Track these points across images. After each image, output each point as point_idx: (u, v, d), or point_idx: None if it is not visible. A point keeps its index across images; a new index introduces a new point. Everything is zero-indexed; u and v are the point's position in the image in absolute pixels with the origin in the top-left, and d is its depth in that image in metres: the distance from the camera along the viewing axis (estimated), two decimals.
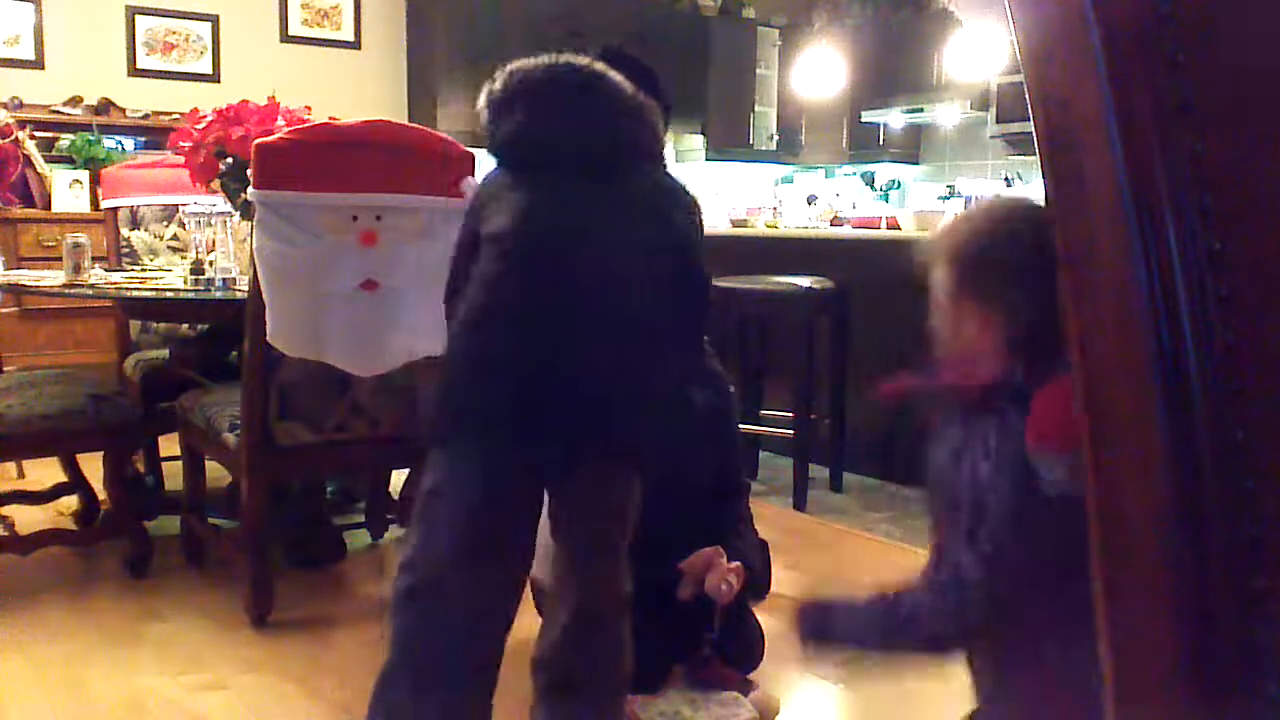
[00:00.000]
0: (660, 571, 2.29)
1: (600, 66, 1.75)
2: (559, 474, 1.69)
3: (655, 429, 1.74)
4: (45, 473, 3.46)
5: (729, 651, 2.27)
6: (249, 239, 2.49)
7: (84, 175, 4.85)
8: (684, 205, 1.81)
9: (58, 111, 5.07)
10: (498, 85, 1.74)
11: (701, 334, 1.93)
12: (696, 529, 2.45)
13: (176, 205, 3.45)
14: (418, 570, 1.65)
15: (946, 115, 6.98)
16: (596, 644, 1.71)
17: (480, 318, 1.69)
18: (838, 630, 1.31)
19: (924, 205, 6.73)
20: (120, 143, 5.16)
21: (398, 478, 3.05)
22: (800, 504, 3.72)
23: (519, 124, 1.72)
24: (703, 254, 1.81)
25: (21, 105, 4.95)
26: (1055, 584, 1.12)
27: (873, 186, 7.67)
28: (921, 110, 7.03)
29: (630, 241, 1.71)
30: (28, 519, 3.20)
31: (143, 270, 3.31)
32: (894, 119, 7.23)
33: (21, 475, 3.73)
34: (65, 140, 4.99)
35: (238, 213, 2.79)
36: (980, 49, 5.17)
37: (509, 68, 1.75)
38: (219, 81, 5.50)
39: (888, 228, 4.68)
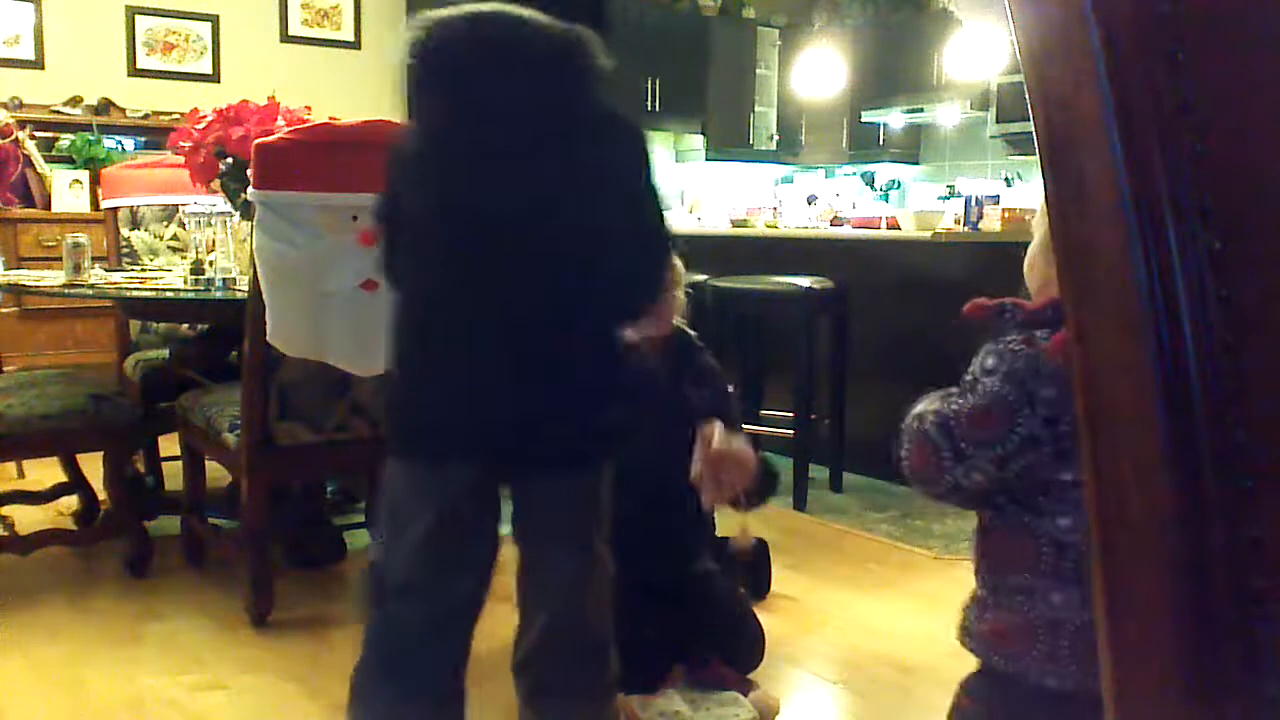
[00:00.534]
0: (660, 572, 2.29)
1: (526, 13, 1.55)
2: (515, 481, 1.63)
3: (615, 414, 1.64)
4: (45, 473, 3.46)
5: (729, 651, 2.27)
6: (249, 239, 2.50)
7: (84, 175, 4.85)
8: (627, 151, 1.63)
9: (58, 111, 5.07)
10: (419, 40, 1.56)
11: (660, 283, 1.79)
12: (697, 529, 2.45)
13: (176, 205, 3.46)
14: (384, 574, 1.62)
15: (946, 115, 6.98)
16: (580, 645, 1.65)
17: (411, 323, 1.61)
18: None
19: (924, 205, 6.73)
20: (120, 143, 5.16)
21: None
22: (800, 504, 3.72)
23: (441, 95, 1.58)
24: (653, 193, 1.65)
25: (21, 105, 4.96)
26: (1024, 489, 1.24)
27: (873, 186, 7.67)
28: (921, 110, 7.04)
29: (570, 216, 1.58)
30: (28, 519, 3.20)
31: (143, 270, 3.31)
32: (894, 119, 7.23)
33: (21, 475, 3.73)
34: (65, 140, 5.00)
35: (238, 213, 2.79)
36: (980, 49, 5.17)
37: (429, 19, 1.57)
38: (219, 81, 5.50)
39: (888, 228, 4.68)
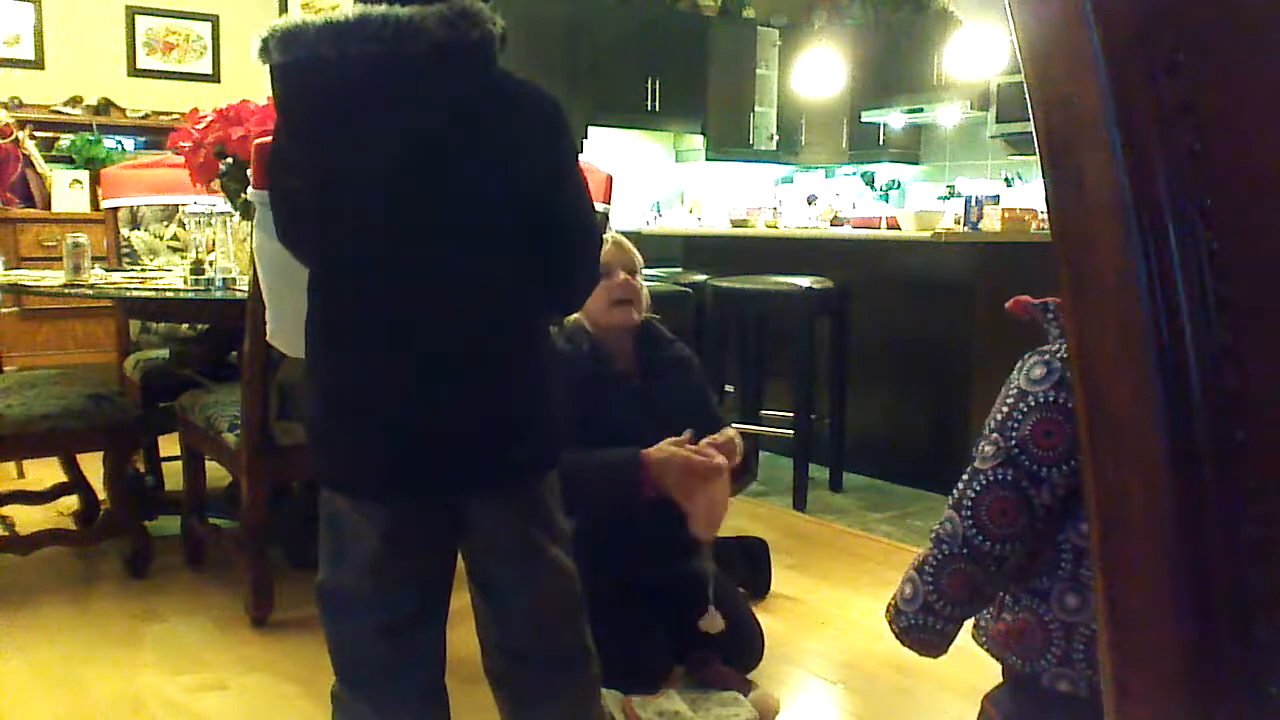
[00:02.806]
0: (658, 571, 2.29)
1: (391, 13, 1.37)
2: (451, 502, 1.56)
3: (543, 425, 1.57)
4: (45, 473, 3.46)
5: (729, 651, 2.27)
6: (249, 239, 2.49)
7: (84, 175, 4.85)
8: (540, 129, 1.49)
9: (58, 111, 5.07)
10: (274, 56, 1.43)
11: (593, 265, 1.66)
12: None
13: (176, 205, 3.45)
14: (332, 592, 1.58)
15: (946, 115, 6.98)
16: (544, 656, 1.61)
17: (321, 355, 1.55)
18: None
19: (924, 205, 6.73)
20: (120, 143, 5.16)
21: None
22: (800, 504, 3.72)
23: (308, 134, 1.48)
24: (572, 172, 1.53)
25: (21, 105, 4.96)
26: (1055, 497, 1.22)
27: (873, 186, 7.67)
28: (921, 110, 7.04)
29: (484, 219, 1.47)
30: (28, 519, 3.20)
31: (143, 270, 3.30)
32: (894, 119, 7.23)
33: (21, 475, 3.73)
34: (65, 140, 5.00)
35: (238, 213, 2.78)
36: (980, 49, 5.17)
37: (282, 30, 1.41)
38: (219, 81, 5.50)
39: (888, 228, 4.68)
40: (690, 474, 2.12)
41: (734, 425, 2.36)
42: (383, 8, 1.39)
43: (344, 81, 1.41)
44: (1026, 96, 0.74)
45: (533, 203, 1.49)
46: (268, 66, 1.46)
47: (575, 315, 2.32)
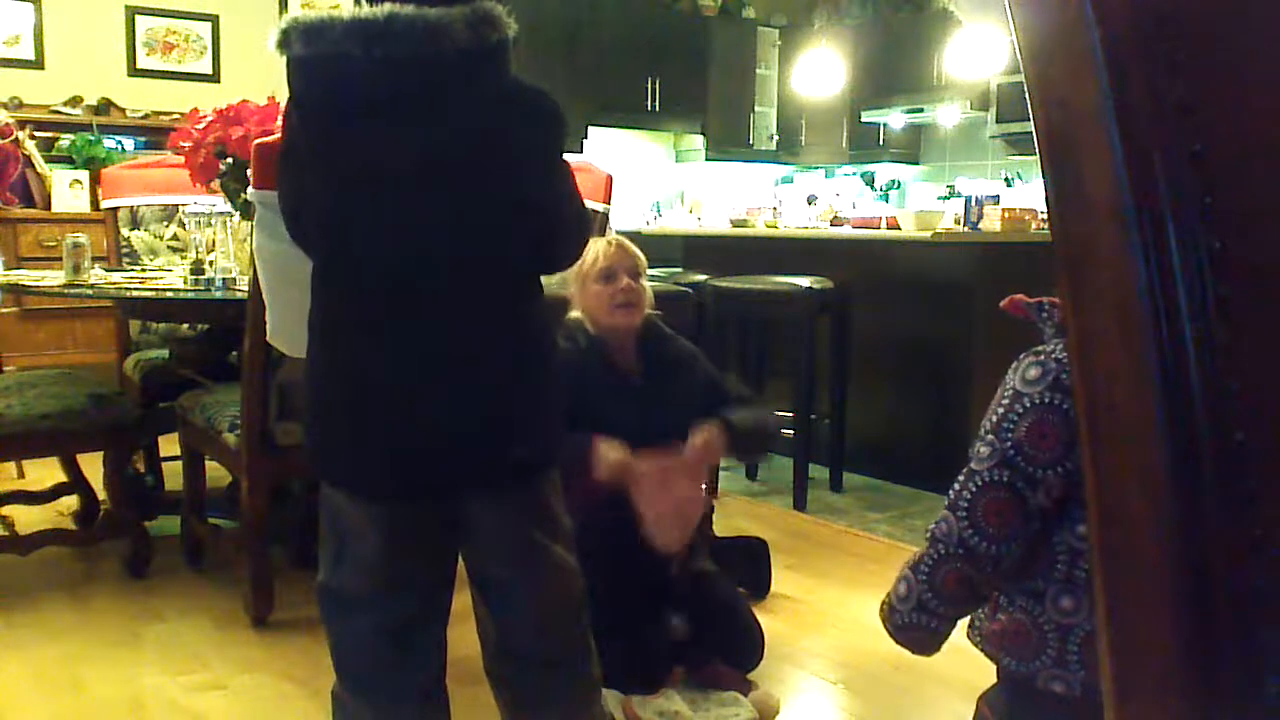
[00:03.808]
0: (658, 572, 2.29)
1: (430, 18, 1.38)
2: (451, 504, 1.55)
3: (541, 426, 1.57)
4: (45, 473, 3.46)
5: (729, 651, 2.27)
6: (249, 239, 2.49)
7: (84, 175, 4.85)
8: (541, 132, 1.51)
9: (58, 111, 5.07)
10: (295, 49, 1.43)
11: (579, 249, 1.68)
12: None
13: (176, 205, 3.45)
14: (333, 592, 1.57)
15: (946, 115, 6.98)
16: (545, 658, 1.60)
17: (322, 352, 1.55)
18: None
19: (924, 205, 6.73)
20: (120, 143, 5.16)
21: None
22: (800, 504, 3.72)
23: (322, 130, 1.48)
24: (561, 169, 1.54)
25: (21, 105, 4.95)
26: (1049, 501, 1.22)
27: (873, 186, 7.67)
28: (921, 110, 7.04)
29: (482, 218, 1.47)
30: (28, 519, 3.20)
31: (143, 270, 3.30)
32: (894, 119, 7.23)
33: (21, 475, 3.73)
34: (65, 140, 5.00)
35: (238, 213, 2.78)
36: (980, 49, 5.17)
37: (306, 23, 1.42)
38: (219, 81, 5.50)
39: (888, 228, 4.68)
40: (630, 478, 2.12)
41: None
42: (410, 9, 1.39)
43: (366, 81, 1.41)
44: (1026, 96, 0.74)
45: (530, 204, 1.51)
46: (285, 58, 1.46)
47: (576, 314, 2.32)
